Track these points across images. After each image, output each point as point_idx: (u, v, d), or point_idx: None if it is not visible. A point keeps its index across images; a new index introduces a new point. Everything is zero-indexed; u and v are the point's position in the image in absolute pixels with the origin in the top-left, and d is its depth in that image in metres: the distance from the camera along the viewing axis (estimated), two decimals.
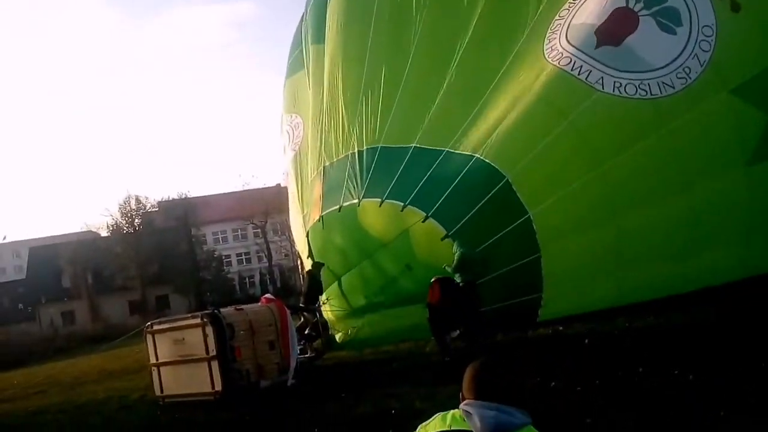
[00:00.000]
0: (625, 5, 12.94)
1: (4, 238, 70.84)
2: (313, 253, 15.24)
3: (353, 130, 14.81)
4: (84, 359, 19.38)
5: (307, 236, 15.12)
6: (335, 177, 14.66)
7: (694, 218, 12.18)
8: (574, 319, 11.43)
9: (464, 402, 2.83)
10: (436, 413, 7.10)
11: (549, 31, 13.16)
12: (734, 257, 12.29)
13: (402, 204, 12.82)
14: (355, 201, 13.66)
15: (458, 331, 11.95)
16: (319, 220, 14.53)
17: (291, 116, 18.62)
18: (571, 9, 13.17)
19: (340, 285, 15.21)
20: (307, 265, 15.65)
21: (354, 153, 14.52)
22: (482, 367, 2.87)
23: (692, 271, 12.04)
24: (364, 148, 14.37)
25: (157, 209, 57.57)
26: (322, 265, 14.81)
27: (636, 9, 12.89)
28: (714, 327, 9.49)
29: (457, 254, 11.82)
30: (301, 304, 14.73)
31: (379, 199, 13.21)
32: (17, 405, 13.45)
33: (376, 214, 13.82)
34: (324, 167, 15.20)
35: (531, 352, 9.52)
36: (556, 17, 13.20)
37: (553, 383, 7.43)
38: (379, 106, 14.57)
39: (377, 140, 14.18)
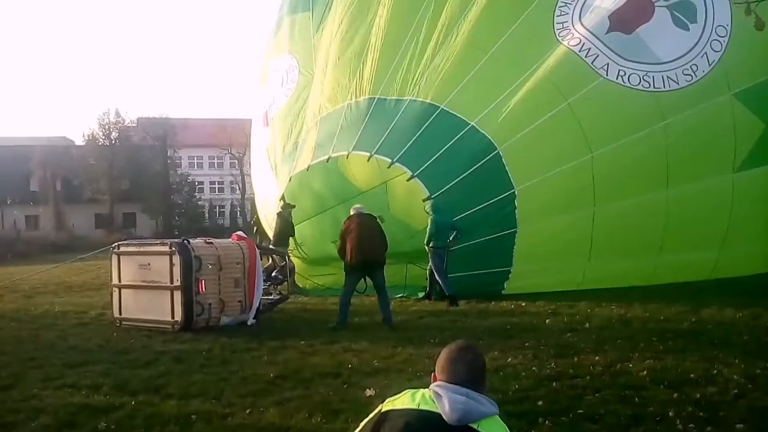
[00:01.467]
0: None
1: None
2: (285, 196, 15.14)
3: (353, 81, 14.58)
4: (44, 268, 19.15)
5: (289, 180, 14.88)
6: (329, 128, 14.46)
7: (670, 215, 12.33)
8: (538, 296, 11.58)
9: (436, 383, 2.83)
10: (391, 374, 7.17)
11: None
12: (706, 260, 12.46)
13: (390, 160, 12.71)
14: (344, 153, 13.50)
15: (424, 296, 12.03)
16: (306, 169, 14.33)
17: (286, 57, 18.10)
18: None
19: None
20: (278, 206, 15.56)
21: (351, 103, 14.32)
22: (459, 351, 2.86)
23: (661, 268, 12.25)
24: (361, 98, 14.18)
25: (135, 125, 56.61)
26: (293, 206, 14.76)
27: None
28: (673, 319, 9.65)
29: (431, 219, 11.88)
30: (271, 245, 14.67)
31: (368, 153, 13.07)
32: None
33: (363, 167, 13.78)
34: (320, 118, 14.97)
35: (494, 329, 9.58)
36: None
37: (509, 360, 7.52)
38: (381, 59, 14.30)
39: (374, 91, 13.97)
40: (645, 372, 6.87)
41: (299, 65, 17.23)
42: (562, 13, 12.92)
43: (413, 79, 13.55)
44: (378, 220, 10.86)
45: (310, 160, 14.29)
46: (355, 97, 14.37)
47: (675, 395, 6.05)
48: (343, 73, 15.02)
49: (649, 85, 12.33)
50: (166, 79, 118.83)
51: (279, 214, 15.30)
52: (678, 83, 12.40)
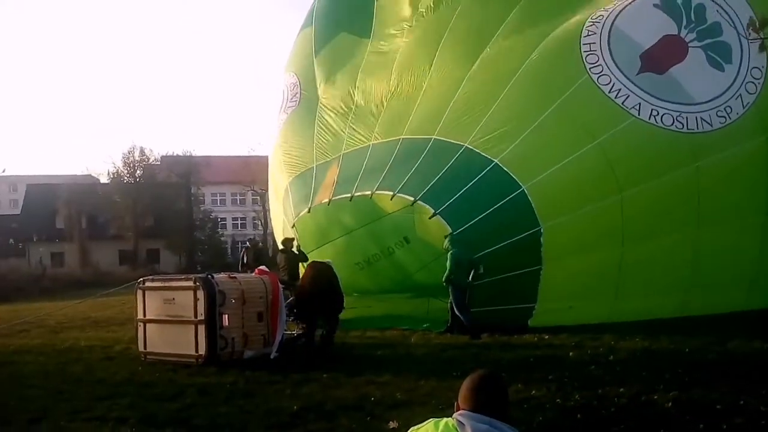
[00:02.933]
0: (676, 33, 12.73)
1: (3, 170, 70.51)
2: (297, 228, 15.36)
3: (377, 123, 14.78)
4: (70, 303, 19.39)
5: (309, 211, 15.04)
6: (352, 166, 14.56)
7: (698, 258, 12.12)
8: (561, 329, 11.51)
9: (459, 412, 2.87)
10: (414, 406, 7.18)
11: (588, 22, 12.88)
12: (734, 299, 12.24)
13: (413, 198, 12.73)
14: (368, 192, 13.57)
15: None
16: (327, 202, 14.48)
17: (290, 74, 18.41)
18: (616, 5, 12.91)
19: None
20: (280, 241, 15.91)
21: (375, 144, 14.46)
22: (482, 380, 2.91)
23: (688, 306, 12.04)
24: (386, 139, 14.30)
25: (159, 163, 57.39)
26: (293, 240, 15.03)
27: (687, 39, 12.69)
28: (699, 352, 9.54)
29: (450, 254, 11.90)
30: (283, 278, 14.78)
31: (391, 192, 13.11)
32: None
33: (386, 205, 13.94)
34: (343, 154, 15.12)
35: (517, 361, 9.54)
36: (600, 10, 12.96)
37: (534, 392, 7.49)
38: (405, 98, 14.51)
39: (399, 132, 14.07)
40: (670, 403, 6.82)
41: (298, 82, 17.47)
42: (589, 33, 12.75)
43: (436, 118, 13.60)
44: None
45: (330, 195, 14.37)
46: (380, 137, 14.51)
47: (701, 426, 6.00)
48: (366, 112, 15.20)
49: (683, 126, 12.20)
50: (189, 117, 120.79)
51: (282, 251, 15.49)
52: (711, 125, 12.28)
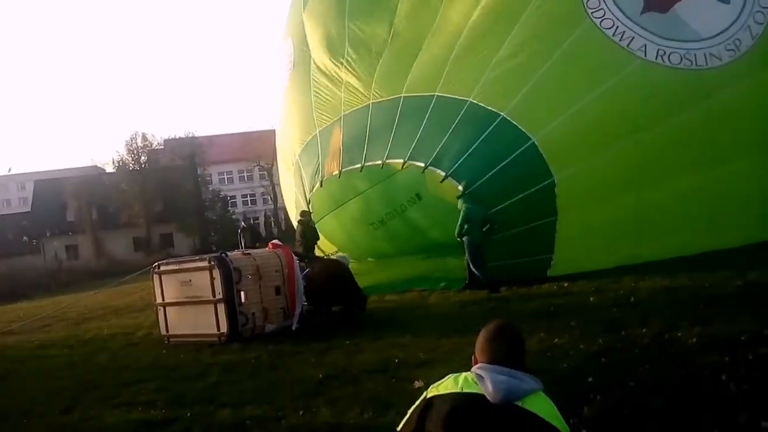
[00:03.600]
0: None
1: (9, 170, 70.87)
2: (312, 201, 15.30)
3: (374, 76, 14.42)
4: (89, 294, 19.56)
5: (321, 185, 14.92)
6: (355, 129, 14.34)
7: (717, 193, 11.96)
8: (580, 276, 11.46)
9: (477, 365, 2.85)
10: (438, 365, 7.18)
11: None
12: (751, 237, 12.09)
13: (423, 165, 12.56)
14: (378, 162, 13.41)
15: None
16: (338, 174, 14.36)
17: (286, 42, 18.10)
18: None
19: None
20: (298, 213, 15.80)
21: (376, 103, 14.20)
22: (497, 330, 2.87)
23: (708, 243, 11.91)
24: (387, 97, 14.03)
25: (163, 147, 57.37)
26: (310, 213, 15.03)
27: None
28: (720, 286, 9.48)
29: (463, 210, 11.81)
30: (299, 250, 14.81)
31: (402, 160, 12.96)
32: (23, 338, 13.62)
33: (401, 181, 13.85)
34: (344, 115, 14.89)
35: (538, 311, 9.54)
36: None
37: (556, 340, 7.48)
38: (400, 53, 14.13)
39: (399, 89, 13.78)
40: (695, 339, 6.79)
41: (293, 46, 17.18)
42: None
43: (436, 71, 13.27)
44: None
45: (339, 166, 14.23)
46: (380, 96, 14.22)
47: (727, 359, 5.97)
48: (362, 67, 14.88)
49: (692, 63, 11.95)
50: (188, 98, 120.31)
51: (300, 221, 15.49)
52: (721, 59, 12.03)
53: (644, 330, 7.42)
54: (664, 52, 11.95)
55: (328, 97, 15.61)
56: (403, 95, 13.64)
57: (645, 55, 11.94)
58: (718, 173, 11.89)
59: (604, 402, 5.30)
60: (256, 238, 18.49)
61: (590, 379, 5.92)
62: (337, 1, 16.07)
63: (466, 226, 11.78)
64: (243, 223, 21.93)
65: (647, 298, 9.34)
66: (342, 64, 15.39)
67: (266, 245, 11.02)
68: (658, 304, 8.90)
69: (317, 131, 15.53)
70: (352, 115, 14.65)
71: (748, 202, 12.20)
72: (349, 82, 15.08)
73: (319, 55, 16.15)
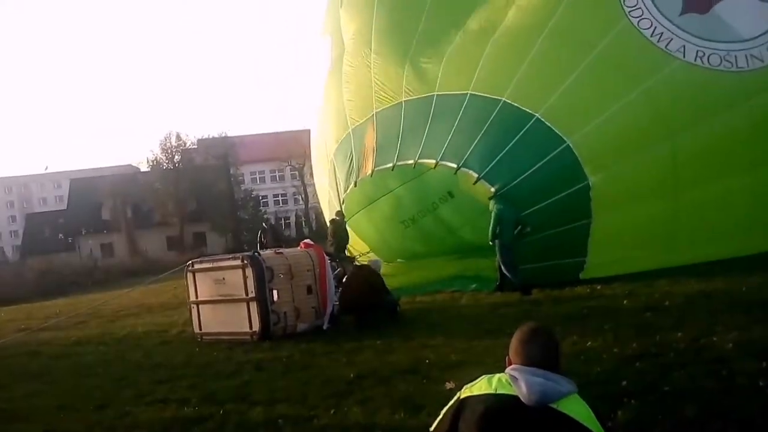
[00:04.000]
0: None
1: (46, 168, 72.08)
2: (346, 201, 15.29)
3: (404, 74, 14.32)
4: (123, 292, 19.87)
5: (355, 185, 14.90)
6: (388, 127, 14.27)
7: (756, 197, 11.72)
8: (613, 279, 11.34)
9: (511, 366, 2.84)
10: (469, 366, 7.14)
11: None
12: None
13: (455, 166, 12.49)
14: (411, 162, 13.36)
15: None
16: (370, 175, 14.32)
17: (324, 38, 17.95)
18: None
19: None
20: (332, 213, 15.84)
21: (409, 101, 14.10)
22: (532, 333, 2.87)
23: (745, 248, 11.68)
24: (420, 95, 13.94)
25: (196, 147, 58.02)
26: (343, 214, 15.05)
27: None
28: (756, 290, 9.31)
29: (495, 212, 11.75)
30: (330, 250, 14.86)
31: (434, 161, 12.89)
32: (59, 334, 13.85)
33: (433, 180, 13.78)
34: (376, 113, 14.82)
35: (571, 314, 9.46)
36: None
37: (589, 344, 7.41)
38: (431, 49, 13.96)
39: (431, 88, 13.69)
40: (731, 345, 6.68)
41: (332, 43, 17.01)
42: None
43: (469, 69, 13.07)
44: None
45: (372, 165, 14.19)
46: (412, 93, 14.08)
47: (764, 365, 5.86)
48: (393, 63, 14.73)
49: (732, 65, 11.73)
50: (221, 98, 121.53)
51: (333, 221, 15.53)
52: (763, 61, 11.77)
53: (679, 334, 7.31)
54: (704, 54, 11.74)
55: (360, 95, 15.51)
56: (436, 93, 13.54)
57: (684, 57, 11.74)
58: (757, 176, 11.65)
59: (639, 406, 5.24)
60: (277, 239, 18.30)
61: (624, 383, 5.85)
62: None
63: (498, 228, 11.73)
64: (264, 223, 21.63)
65: (682, 303, 9.21)
66: (372, 58, 15.23)
67: (254, 252, 11.00)
68: (693, 308, 8.77)
69: (350, 129, 15.49)
70: (384, 113, 14.54)
71: None
72: (379, 78, 14.98)
73: (351, 50, 16.06)
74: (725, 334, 7.05)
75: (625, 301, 9.81)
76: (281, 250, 11.54)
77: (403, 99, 14.16)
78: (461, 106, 12.83)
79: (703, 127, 11.55)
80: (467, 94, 12.87)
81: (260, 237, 19.53)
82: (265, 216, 57.93)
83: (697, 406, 5.08)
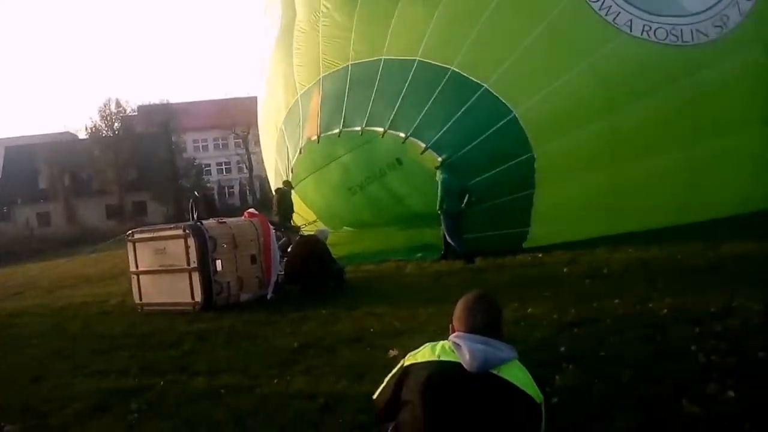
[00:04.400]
0: None
1: None
2: (293, 169, 15.15)
3: (352, 37, 14.03)
4: (60, 263, 19.38)
5: (301, 152, 14.73)
6: (334, 91, 14.06)
7: (695, 172, 12.00)
8: (555, 246, 11.58)
9: (454, 334, 2.87)
10: (414, 334, 7.21)
11: None
12: (729, 208, 12.19)
13: (404, 135, 12.43)
14: (358, 129, 13.22)
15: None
16: (316, 140, 14.13)
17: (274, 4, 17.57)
18: None
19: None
20: (278, 182, 15.68)
21: (355, 64, 13.90)
22: (475, 300, 2.89)
23: (683, 219, 12.02)
24: (366, 59, 13.76)
25: (136, 114, 56.62)
26: (290, 183, 14.93)
27: None
28: (692, 258, 9.62)
29: (441, 182, 11.83)
30: (275, 219, 14.75)
31: (381, 129, 12.80)
32: None
33: (381, 146, 13.70)
34: (322, 77, 14.58)
35: (513, 282, 9.62)
36: None
37: (530, 310, 7.55)
38: (380, 13, 13.68)
39: (379, 50, 13.45)
40: (666, 310, 6.88)
41: (281, 6, 16.69)
42: None
43: (417, 34, 12.93)
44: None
45: (318, 131, 14.01)
46: (359, 57, 13.88)
47: (697, 330, 6.06)
48: (340, 27, 14.48)
49: (677, 39, 11.88)
50: (162, 63, 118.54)
51: (278, 190, 15.38)
52: (708, 36, 11.97)
53: (616, 301, 7.50)
54: (650, 28, 11.89)
55: (308, 59, 15.24)
56: (383, 57, 13.38)
57: (630, 30, 11.87)
58: (698, 151, 11.94)
59: (576, 371, 5.36)
60: (210, 210, 17.69)
61: (562, 349, 5.98)
62: None
63: (444, 198, 11.81)
64: (196, 192, 20.58)
65: (620, 270, 9.46)
66: (320, 22, 14.92)
67: (197, 221, 10.77)
68: (630, 276, 9.02)
69: (299, 96, 15.26)
70: (331, 77, 14.34)
71: (727, 180, 12.29)
72: (327, 42, 14.72)
73: (301, 15, 15.71)
74: (660, 301, 7.27)
75: (565, 269, 10.02)
76: (224, 219, 11.37)
77: (350, 62, 13.98)
78: (409, 73, 12.75)
79: (645, 101, 11.75)
80: (415, 60, 12.77)
81: (191, 207, 18.58)
82: (207, 184, 57.31)
83: (631, 371, 5.23)
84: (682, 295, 7.42)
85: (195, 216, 16.49)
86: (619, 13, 11.92)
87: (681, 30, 11.94)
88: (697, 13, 12.10)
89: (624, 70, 11.91)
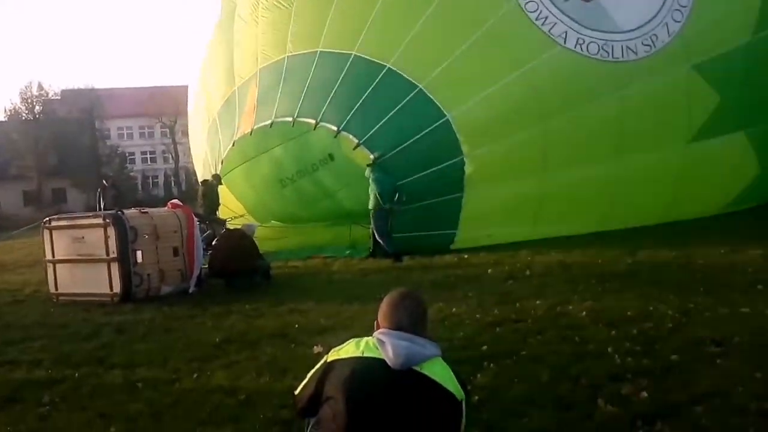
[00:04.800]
0: None
1: None
2: (224, 161, 14.85)
3: (292, 28, 13.85)
4: None
5: (233, 145, 14.42)
6: (270, 82, 13.86)
7: (619, 184, 12.39)
8: (480, 248, 11.78)
9: (379, 330, 2.87)
10: (338, 331, 7.18)
11: None
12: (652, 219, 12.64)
13: (336, 128, 12.35)
14: (289, 119, 13.02)
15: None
16: (249, 133, 13.85)
17: None
18: None
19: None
20: (207, 174, 15.35)
21: (292, 56, 13.71)
22: (401, 298, 2.90)
23: (605, 226, 12.40)
24: (303, 50, 13.59)
25: (59, 98, 54.63)
26: (219, 176, 14.66)
27: None
28: (611, 263, 9.92)
29: (373, 180, 11.85)
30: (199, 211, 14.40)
31: (314, 120, 12.66)
32: None
33: (314, 140, 13.57)
34: (260, 68, 14.33)
35: (438, 281, 9.71)
36: None
37: (454, 310, 7.63)
38: (319, 4, 13.58)
39: (316, 42, 13.34)
40: (584, 313, 7.07)
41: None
42: None
43: (354, 28, 12.86)
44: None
45: (253, 123, 13.77)
46: (296, 49, 13.72)
47: (613, 332, 6.26)
48: (282, 18, 14.24)
49: (608, 54, 12.20)
50: (89, 47, 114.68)
51: (204, 182, 15.07)
52: (637, 53, 12.33)
53: (538, 302, 7.67)
54: (583, 41, 12.19)
55: (247, 50, 14.95)
56: (319, 50, 13.24)
57: (564, 42, 12.15)
58: (623, 163, 12.33)
59: (497, 370, 5.45)
60: (119, 200, 16.82)
61: (485, 348, 6.07)
62: None
63: (375, 196, 11.84)
64: (105, 181, 19.36)
65: (542, 272, 9.68)
66: (260, 12, 14.63)
67: (118, 210, 10.38)
68: (552, 278, 9.24)
69: (236, 87, 14.96)
70: (268, 69, 14.13)
71: (649, 193, 12.74)
72: (265, 33, 14.46)
73: (243, 6, 15.42)
74: (580, 303, 7.47)
75: (489, 270, 10.18)
76: (146, 209, 11.07)
77: (287, 54, 13.79)
78: (344, 67, 12.67)
79: (574, 113, 12.07)
80: (351, 54, 12.70)
81: (98, 196, 17.38)
82: (131, 173, 55.76)
83: (550, 371, 5.35)
84: (600, 299, 7.66)
85: (102, 206, 15.69)
86: (555, 24, 12.19)
87: (612, 46, 12.30)
88: (629, 31, 12.49)
89: (555, 81, 12.18)
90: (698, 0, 12.83)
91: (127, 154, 59.30)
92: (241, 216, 15.07)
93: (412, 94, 12.03)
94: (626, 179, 12.45)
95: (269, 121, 13.30)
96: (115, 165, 55.15)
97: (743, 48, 13.02)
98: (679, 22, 12.72)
